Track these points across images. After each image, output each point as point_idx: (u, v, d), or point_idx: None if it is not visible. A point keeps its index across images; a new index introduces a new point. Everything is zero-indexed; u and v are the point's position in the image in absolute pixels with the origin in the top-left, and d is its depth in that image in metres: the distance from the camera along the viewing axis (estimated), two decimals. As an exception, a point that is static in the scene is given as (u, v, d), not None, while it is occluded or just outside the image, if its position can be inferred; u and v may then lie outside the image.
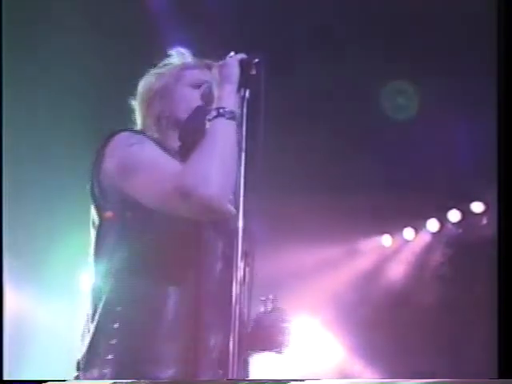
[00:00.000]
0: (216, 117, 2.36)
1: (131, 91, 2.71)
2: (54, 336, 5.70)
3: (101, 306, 2.34)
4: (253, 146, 2.31)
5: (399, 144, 6.26)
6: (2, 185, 3.61)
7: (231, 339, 2.15)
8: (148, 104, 2.65)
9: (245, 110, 2.36)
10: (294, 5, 5.19)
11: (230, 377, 2.16)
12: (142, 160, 2.35)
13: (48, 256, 5.79)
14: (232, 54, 2.49)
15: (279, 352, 2.61)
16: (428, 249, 7.40)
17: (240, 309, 2.18)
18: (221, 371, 2.34)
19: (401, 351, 6.65)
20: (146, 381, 2.26)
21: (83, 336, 2.36)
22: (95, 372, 2.28)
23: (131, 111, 2.73)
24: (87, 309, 2.39)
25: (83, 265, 2.49)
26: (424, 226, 7.37)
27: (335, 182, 6.33)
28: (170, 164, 2.33)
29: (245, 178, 2.26)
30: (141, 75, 2.72)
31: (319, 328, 7.46)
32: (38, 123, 5.46)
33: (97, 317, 2.34)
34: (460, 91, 5.70)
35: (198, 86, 2.63)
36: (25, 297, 6.03)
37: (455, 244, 7.12)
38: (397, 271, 7.42)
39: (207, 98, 2.56)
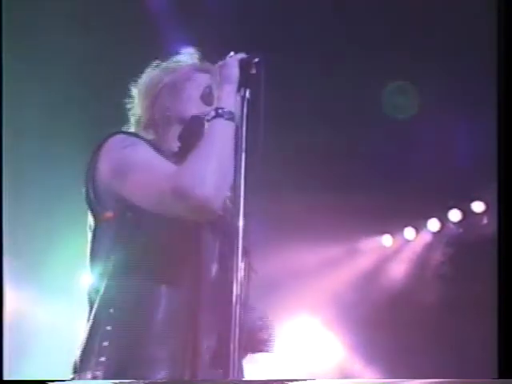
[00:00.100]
0: (215, 117, 2.36)
1: (131, 92, 2.70)
2: (54, 336, 5.69)
3: (95, 307, 2.34)
4: (253, 145, 2.31)
5: (400, 144, 6.26)
6: (2, 185, 3.61)
7: (231, 339, 2.15)
8: (153, 98, 2.63)
9: (245, 110, 2.36)
10: (294, 5, 5.19)
11: (230, 377, 2.16)
12: (136, 162, 2.35)
13: (48, 256, 5.79)
14: (232, 53, 2.49)
15: (267, 350, 2.59)
16: (429, 248, 7.39)
17: (240, 309, 2.18)
18: (220, 370, 2.34)
19: (401, 351, 6.65)
20: (145, 381, 2.26)
21: (80, 338, 2.36)
22: (88, 374, 2.28)
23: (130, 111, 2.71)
24: (85, 310, 2.40)
25: (83, 265, 2.49)
26: (425, 225, 7.37)
27: (335, 181, 6.33)
28: (165, 165, 2.34)
29: (245, 177, 2.26)
30: (141, 76, 2.70)
31: (320, 327, 7.46)
32: (38, 123, 5.46)
33: (91, 318, 2.34)
34: (460, 91, 5.70)
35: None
36: (25, 297, 6.02)
37: (456, 244, 7.12)
38: (397, 271, 7.42)
39: (207, 98, 2.56)
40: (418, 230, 7.46)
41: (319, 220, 6.51)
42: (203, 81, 2.64)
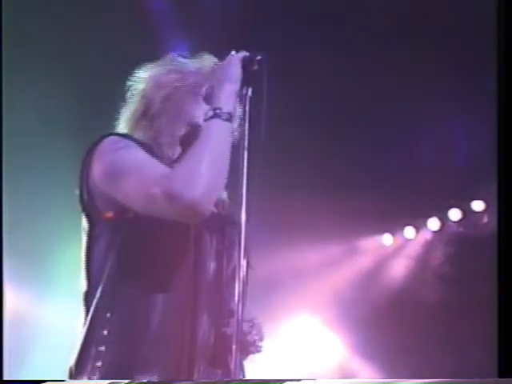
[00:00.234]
0: (212, 117, 2.35)
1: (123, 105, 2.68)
2: (54, 336, 5.70)
3: (91, 311, 2.33)
4: (254, 144, 2.31)
5: (400, 143, 6.26)
6: (2, 185, 3.61)
7: (233, 338, 2.15)
8: (155, 98, 2.60)
9: (247, 108, 2.36)
10: (294, 4, 5.20)
11: (231, 377, 2.16)
12: (128, 164, 2.33)
13: (48, 256, 5.79)
14: (233, 52, 2.49)
15: (256, 352, 2.57)
16: (429, 248, 7.39)
17: (242, 308, 2.18)
18: (219, 371, 2.34)
19: (401, 350, 6.65)
20: (144, 381, 2.25)
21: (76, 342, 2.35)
22: (84, 379, 2.27)
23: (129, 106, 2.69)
24: (82, 314, 2.38)
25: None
26: (425, 224, 7.36)
27: (336, 181, 6.33)
28: (157, 167, 2.32)
29: (246, 176, 2.25)
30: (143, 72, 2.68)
31: (320, 327, 7.46)
32: (38, 123, 5.46)
33: (87, 323, 2.32)
34: (460, 91, 5.70)
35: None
36: (25, 297, 6.02)
37: (456, 243, 7.11)
38: (397, 270, 7.42)
39: (210, 99, 2.53)
40: (418, 229, 7.46)
41: (319, 219, 6.51)
42: (205, 81, 2.61)
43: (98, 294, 2.33)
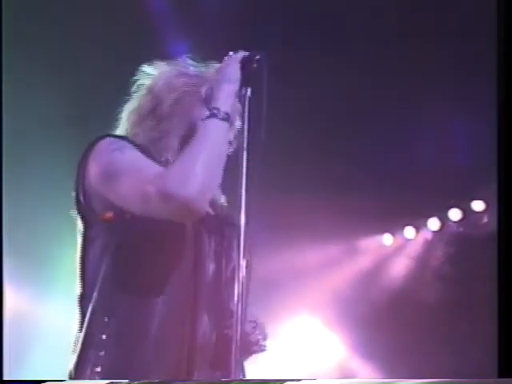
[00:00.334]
0: (209, 117, 2.35)
1: (128, 99, 2.68)
2: (54, 336, 5.69)
3: (88, 315, 2.31)
4: (254, 144, 2.31)
5: (400, 143, 6.27)
6: (2, 185, 3.61)
7: (233, 339, 2.15)
8: (164, 99, 2.58)
9: (246, 108, 2.35)
10: (294, 4, 5.20)
11: (231, 377, 2.16)
12: (124, 165, 2.32)
13: (48, 256, 5.79)
14: (231, 53, 2.48)
15: (260, 352, 2.57)
16: (429, 247, 7.39)
17: (242, 308, 2.17)
18: (218, 372, 2.34)
19: (401, 350, 6.65)
20: (143, 381, 2.25)
21: (74, 346, 2.34)
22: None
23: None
24: (76, 317, 2.37)
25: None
26: (425, 224, 7.36)
27: (336, 181, 6.33)
28: (152, 167, 2.32)
29: (245, 177, 2.25)
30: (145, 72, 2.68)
31: (320, 327, 7.46)
32: (37, 123, 5.47)
33: (85, 327, 2.31)
34: (460, 91, 5.70)
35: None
36: (25, 297, 6.02)
37: (456, 243, 7.12)
38: (397, 270, 7.42)
39: (209, 101, 2.52)
40: (418, 229, 7.46)
41: (319, 219, 6.51)
42: (205, 83, 2.59)
43: (94, 298, 2.32)
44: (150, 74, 2.65)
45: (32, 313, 6.12)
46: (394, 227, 7.53)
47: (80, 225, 2.43)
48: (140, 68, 2.66)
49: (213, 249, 2.46)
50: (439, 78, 5.63)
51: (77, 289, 2.40)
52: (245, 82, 2.39)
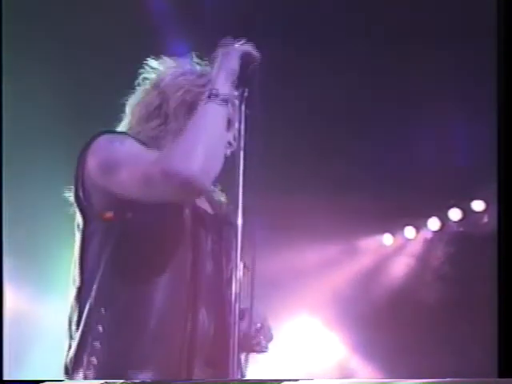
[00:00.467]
0: (208, 98, 2.34)
1: (131, 92, 2.68)
2: (53, 336, 5.69)
3: (86, 308, 2.32)
4: (252, 144, 2.31)
5: (400, 143, 6.27)
6: (2, 185, 3.61)
7: (231, 338, 2.15)
8: (171, 97, 2.57)
9: (243, 108, 2.36)
10: (294, 4, 5.19)
11: (229, 376, 2.16)
12: (124, 155, 2.33)
13: (48, 256, 5.79)
14: (238, 44, 2.46)
15: (261, 352, 2.58)
16: (429, 247, 7.40)
17: (239, 307, 2.17)
18: (211, 370, 2.34)
19: (401, 350, 6.65)
20: (141, 381, 2.25)
21: (68, 339, 2.35)
22: (79, 374, 2.27)
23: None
24: (71, 312, 2.38)
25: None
26: (425, 224, 7.37)
27: (336, 181, 6.33)
28: (152, 152, 2.33)
29: (244, 176, 2.25)
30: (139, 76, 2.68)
31: (320, 327, 7.46)
32: (37, 124, 5.46)
33: (82, 319, 2.32)
34: (460, 91, 5.70)
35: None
36: (25, 297, 6.03)
37: (456, 242, 7.12)
38: (398, 270, 7.42)
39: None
40: (418, 229, 7.46)
41: (319, 219, 6.51)
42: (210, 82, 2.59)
43: (92, 291, 2.32)
44: (156, 68, 2.65)
45: (32, 313, 6.13)
46: (394, 227, 7.53)
47: (79, 220, 2.44)
48: (146, 61, 2.66)
49: (211, 247, 2.47)
50: (439, 78, 5.63)
51: (75, 282, 2.40)
52: (242, 82, 2.39)
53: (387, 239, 7.59)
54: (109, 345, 2.27)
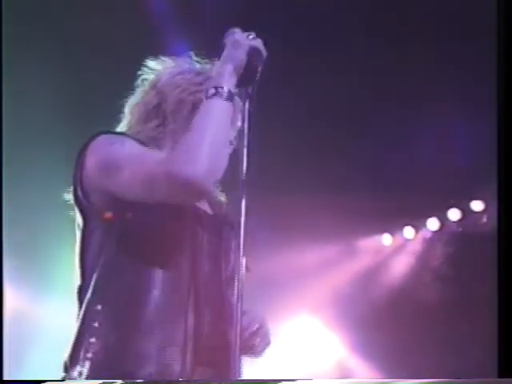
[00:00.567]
0: (213, 95, 2.31)
1: (131, 93, 2.67)
2: (53, 336, 5.70)
3: (84, 305, 2.32)
4: (253, 143, 2.31)
5: (399, 143, 6.27)
6: (2, 185, 3.61)
7: (232, 338, 2.14)
8: (169, 96, 2.55)
9: (247, 105, 2.34)
10: (294, 4, 5.20)
11: (230, 376, 2.16)
12: (124, 157, 2.31)
13: (48, 256, 5.79)
14: (252, 35, 2.43)
15: (258, 355, 2.54)
16: (428, 247, 7.40)
17: (241, 307, 2.17)
18: (210, 371, 2.34)
19: (400, 350, 6.65)
20: (138, 381, 2.25)
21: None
22: (75, 370, 2.26)
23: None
24: (76, 309, 2.38)
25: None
26: (424, 224, 7.37)
27: (335, 181, 6.33)
28: (154, 153, 2.32)
29: (245, 176, 2.25)
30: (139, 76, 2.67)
31: (319, 327, 7.46)
32: (37, 124, 5.47)
33: (80, 316, 2.32)
34: (460, 90, 5.70)
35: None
36: (25, 297, 6.03)
37: (455, 242, 7.12)
38: (397, 270, 7.43)
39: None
40: (417, 229, 7.46)
41: (319, 219, 6.51)
42: (208, 81, 2.56)
43: (90, 288, 2.32)
44: (154, 68, 2.64)
45: (32, 313, 6.13)
46: (394, 227, 7.53)
47: (79, 219, 2.43)
48: (144, 63, 2.65)
49: (211, 248, 2.46)
50: (439, 78, 5.63)
51: (76, 281, 2.41)
52: (248, 74, 2.36)
53: (386, 239, 7.59)
54: (105, 341, 2.26)
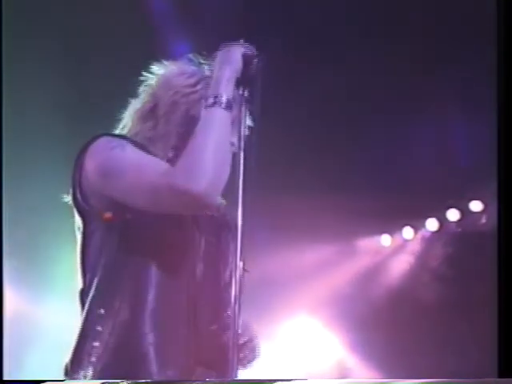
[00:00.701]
0: (213, 105, 2.31)
1: (131, 93, 2.67)
2: (53, 336, 5.70)
3: (85, 308, 2.32)
4: (252, 144, 2.31)
5: (398, 143, 6.27)
6: (2, 185, 3.61)
7: (231, 339, 2.14)
8: (163, 98, 2.55)
9: (243, 109, 2.33)
10: (294, 5, 5.19)
11: (229, 376, 2.16)
12: (125, 162, 2.31)
13: (48, 256, 5.79)
14: (241, 41, 2.44)
15: (244, 367, 2.50)
16: (427, 248, 7.39)
17: (239, 309, 2.17)
18: (210, 372, 2.34)
19: (400, 351, 6.65)
20: (141, 381, 2.25)
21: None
22: (78, 375, 2.26)
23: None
24: (79, 312, 2.37)
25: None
26: (423, 225, 7.37)
27: (334, 181, 6.33)
28: (157, 163, 2.31)
29: (244, 177, 2.25)
30: (140, 76, 2.68)
31: (318, 327, 7.46)
32: (37, 124, 5.46)
33: (82, 319, 2.32)
34: (459, 90, 5.71)
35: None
36: (25, 298, 6.03)
37: (454, 243, 7.12)
38: (396, 270, 7.42)
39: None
40: (416, 230, 7.46)
41: (318, 220, 6.51)
42: (203, 81, 2.54)
43: (92, 291, 2.32)
44: (155, 73, 2.64)
45: (32, 313, 6.13)
46: (393, 228, 7.53)
47: (78, 221, 2.43)
48: (147, 67, 2.66)
49: (211, 249, 2.46)
50: (439, 78, 5.63)
51: (78, 284, 2.40)
52: (244, 79, 2.37)
53: (385, 240, 7.59)
54: (108, 345, 2.26)
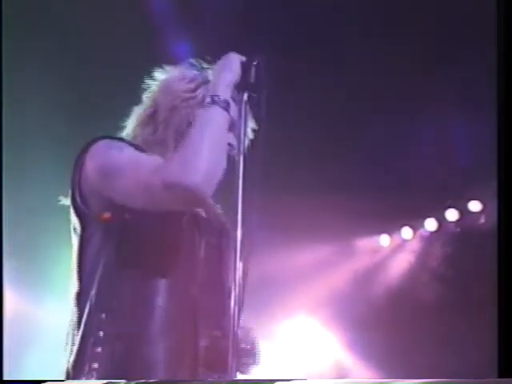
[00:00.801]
0: (210, 104, 2.33)
1: (131, 93, 2.68)
2: (53, 336, 5.69)
3: (85, 312, 2.32)
4: (252, 145, 2.31)
5: (398, 143, 6.27)
6: (2, 185, 3.60)
7: (230, 339, 2.15)
8: (163, 103, 2.58)
9: (243, 113, 2.34)
10: (294, 5, 5.20)
11: (229, 377, 2.16)
12: (123, 162, 2.33)
13: (48, 256, 5.79)
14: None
15: (243, 372, 2.50)
16: (426, 248, 7.40)
17: (239, 309, 2.17)
18: (210, 374, 2.34)
19: (399, 351, 6.66)
20: (142, 381, 2.25)
21: (69, 344, 2.34)
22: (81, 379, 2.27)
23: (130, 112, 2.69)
24: (72, 316, 2.37)
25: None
26: (422, 225, 7.37)
27: (333, 181, 6.33)
28: (153, 160, 2.32)
29: (243, 177, 2.25)
30: (141, 77, 2.68)
31: (318, 326, 7.47)
32: (37, 124, 5.46)
33: (82, 324, 2.31)
34: (459, 90, 5.71)
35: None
36: (25, 298, 6.03)
37: (453, 243, 7.12)
38: (395, 270, 7.43)
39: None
40: (415, 230, 7.47)
41: (317, 219, 6.51)
42: (202, 86, 2.57)
43: (91, 295, 2.32)
44: (158, 79, 2.65)
45: (31, 314, 6.13)
46: (392, 228, 7.54)
47: (77, 223, 2.43)
48: (151, 74, 2.66)
49: (211, 249, 2.47)
50: (439, 78, 5.63)
51: (73, 286, 2.40)
52: (243, 81, 2.37)
53: (384, 240, 7.59)
54: (110, 350, 2.27)
